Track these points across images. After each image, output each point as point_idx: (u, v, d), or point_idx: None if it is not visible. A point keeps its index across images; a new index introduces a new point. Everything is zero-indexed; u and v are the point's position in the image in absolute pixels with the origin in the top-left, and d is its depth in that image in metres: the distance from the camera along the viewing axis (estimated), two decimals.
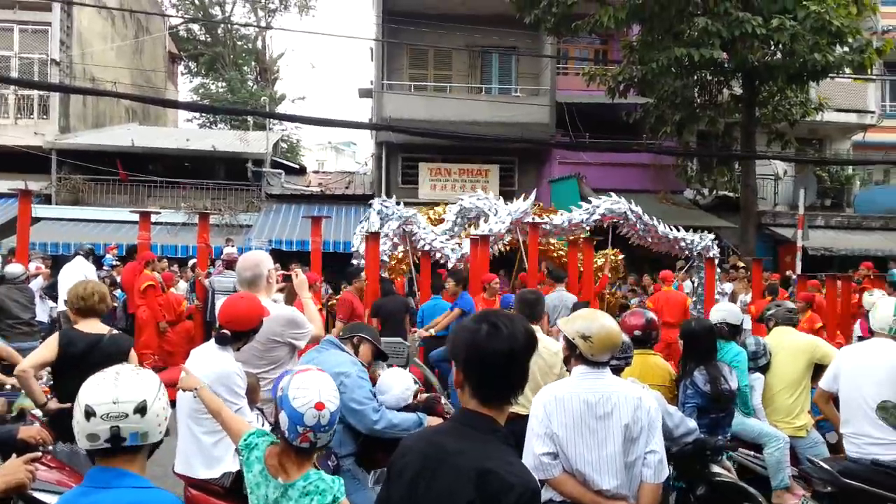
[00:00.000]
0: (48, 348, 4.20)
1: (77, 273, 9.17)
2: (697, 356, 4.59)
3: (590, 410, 2.84)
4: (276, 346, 4.05)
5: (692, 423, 3.98)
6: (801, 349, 5.27)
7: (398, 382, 4.28)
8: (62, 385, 4.17)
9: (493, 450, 1.86)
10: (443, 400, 4.55)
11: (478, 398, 1.93)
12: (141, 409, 1.95)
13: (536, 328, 4.53)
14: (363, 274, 9.05)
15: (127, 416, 1.93)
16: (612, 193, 11.61)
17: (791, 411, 5.17)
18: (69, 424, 3.70)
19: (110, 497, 1.91)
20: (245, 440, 2.57)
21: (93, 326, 4.24)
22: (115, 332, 4.33)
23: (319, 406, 2.32)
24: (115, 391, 1.94)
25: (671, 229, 11.79)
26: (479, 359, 1.91)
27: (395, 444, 2.31)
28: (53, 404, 4.12)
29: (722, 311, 5.41)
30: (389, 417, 3.79)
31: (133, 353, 4.26)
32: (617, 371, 3.58)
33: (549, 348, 4.45)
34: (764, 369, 5.30)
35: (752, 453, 4.62)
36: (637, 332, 4.53)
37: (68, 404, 3.97)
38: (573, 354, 2.99)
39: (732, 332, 5.27)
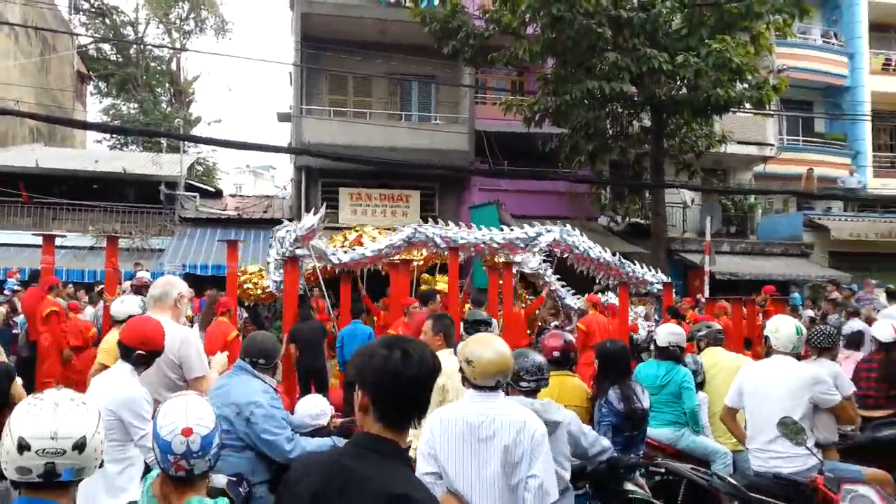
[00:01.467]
0: None
1: None
2: (612, 376, 4.71)
3: (472, 433, 2.85)
4: (176, 368, 4.00)
5: (606, 442, 4.07)
6: (737, 368, 5.46)
7: (306, 405, 4.25)
8: None
9: (399, 474, 1.88)
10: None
11: (383, 422, 1.94)
12: (80, 446, 1.85)
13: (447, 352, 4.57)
14: (438, 296, 8.85)
15: (65, 452, 1.83)
16: (534, 223, 11.73)
17: None
18: None
19: None
20: (145, 480, 2.48)
21: None
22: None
23: (187, 432, 2.21)
24: (53, 425, 1.83)
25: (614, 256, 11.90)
26: (390, 384, 1.92)
27: None
28: None
29: (672, 334, 5.52)
30: (303, 445, 3.72)
31: (15, 387, 3.90)
32: (532, 393, 3.64)
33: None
34: (699, 387, 5.54)
35: (703, 470, 4.78)
36: (556, 354, 4.64)
37: None
38: (463, 378, 3.02)
39: (680, 353, 5.49)
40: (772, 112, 20.28)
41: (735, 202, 21.20)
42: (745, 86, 14.48)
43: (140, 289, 8.52)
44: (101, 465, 1.96)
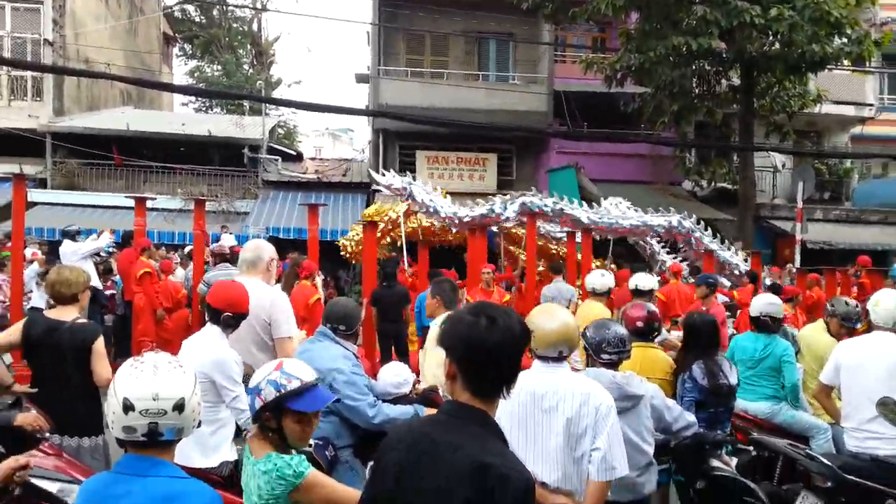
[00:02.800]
0: (13, 331, 4.14)
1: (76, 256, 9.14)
2: (697, 350, 4.58)
3: (535, 403, 2.85)
4: (266, 328, 4.14)
5: (691, 417, 3.96)
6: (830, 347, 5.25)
7: (388, 373, 4.28)
8: (31, 369, 4.10)
9: (487, 443, 1.85)
10: (441, 391, 4.53)
11: (471, 391, 1.91)
12: (179, 406, 1.94)
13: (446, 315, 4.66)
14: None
15: (166, 412, 1.93)
16: (607, 197, 11.63)
17: None
18: (60, 413, 3.70)
19: (148, 485, 1.92)
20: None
21: (62, 313, 4.07)
22: (81, 321, 4.09)
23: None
24: (154, 386, 1.93)
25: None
26: (476, 351, 1.90)
27: None
28: (18, 387, 4.04)
29: (767, 304, 5.33)
30: (386, 412, 3.76)
31: (97, 346, 3.99)
32: (614, 365, 3.57)
33: None
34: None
35: (801, 446, 4.65)
36: (639, 324, 4.53)
37: (29, 389, 3.97)
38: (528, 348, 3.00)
39: (776, 325, 5.26)
40: (872, 69, 19.13)
41: (830, 166, 20.22)
42: (844, 41, 13.70)
43: (221, 257, 8.72)
44: (198, 426, 2.05)
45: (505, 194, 11.81)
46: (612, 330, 3.59)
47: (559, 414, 2.82)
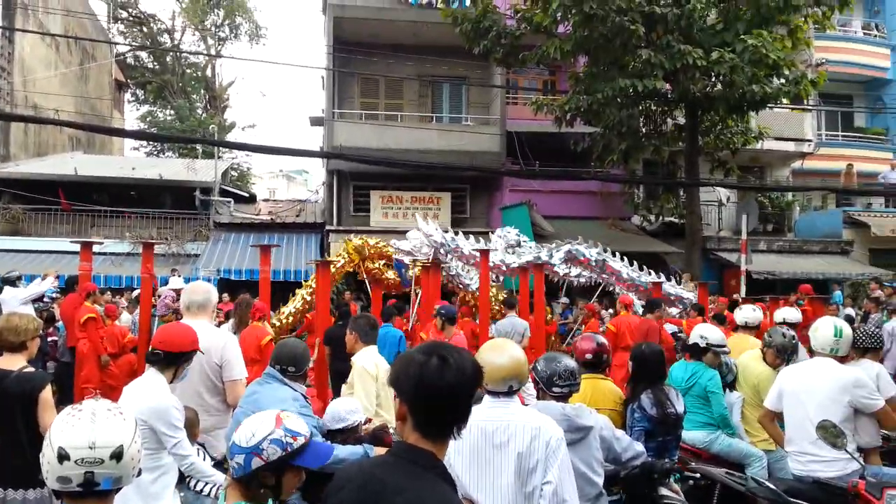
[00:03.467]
0: None
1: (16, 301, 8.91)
2: (646, 379, 4.63)
3: (486, 439, 2.83)
4: (218, 371, 4.07)
5: (640, 447, 3.99)
6: (764, 376, 5.41)
7: (337, 406, 4.24)
8: None
9: (432, 486, 1.84)
10: (391, 430, 4.49)
11: (420, 432, 1.90)
12: (117, 455, 1.88)
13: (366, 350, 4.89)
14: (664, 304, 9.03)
15: (103, 461, 1.86)
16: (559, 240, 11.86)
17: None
18: (6, 464, 3.57)
19: None
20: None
21: (9, 363, 3.96)
22: (27, 369, 3.98)
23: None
24: (91, 434, 1.86)
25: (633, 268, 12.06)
26: (426, 392, 1.88)
27: None
28: None
29: (699, 337, 5.41)
30: (336, 452, 3.70)
31: (44, 395, 3.88)
32: (564, 398, 3.59)
33: None
34: (730, 386, 5.47)
35: (737, 474, 4.69)
36: (588, 356, 4.57)
37: None
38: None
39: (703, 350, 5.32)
40: (810, 107, 19.92)
41: (772, 199, 20.83)
42: (783, 81, 14.21)
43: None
44: (139, 474, 1.98)
45: (457, 232, 11.89)
46: (562, 363, 3.61)
47: (510, 449, 2.80)
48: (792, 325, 6.88)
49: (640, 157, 16.81)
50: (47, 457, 1.87)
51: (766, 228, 20.33)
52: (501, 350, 3.01)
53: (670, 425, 4.46)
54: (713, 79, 14.43)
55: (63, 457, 1.84)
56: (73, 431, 1.87)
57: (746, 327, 6.94)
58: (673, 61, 13.32)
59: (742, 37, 13.28)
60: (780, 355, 5.43)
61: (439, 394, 1.88)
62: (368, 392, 4.66)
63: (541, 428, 2.84)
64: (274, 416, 2.31)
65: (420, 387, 1.89)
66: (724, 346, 5.35)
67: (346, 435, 4.23)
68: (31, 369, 4.02)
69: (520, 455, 2.78)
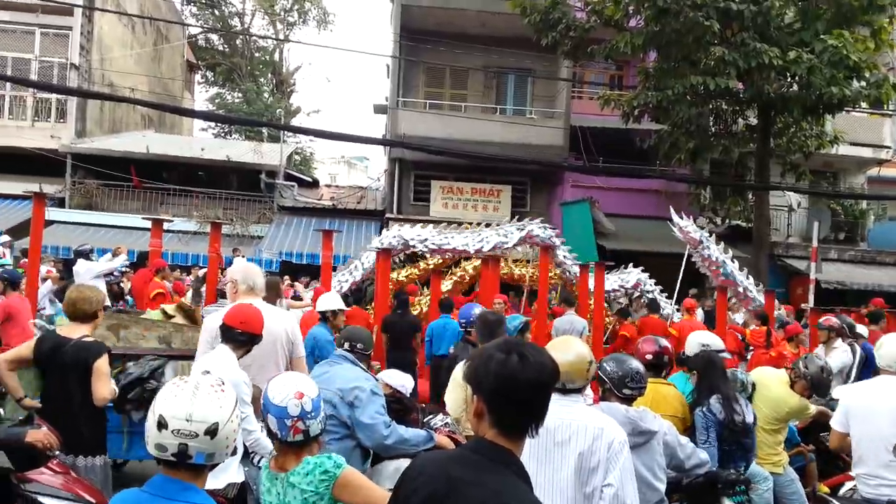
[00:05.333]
0: (26, 346, 4.18)
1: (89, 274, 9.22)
2: (714, 383, 4.52)
3: (548, 435, 2.79)
4: (289, 347, 4.20)
5: (704, 455, 3.91)
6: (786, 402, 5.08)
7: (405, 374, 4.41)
8: (43, 384, 4.12)
9: (508, 483, 1.83)
10: (443, 420, 4.52)
11: (498, 428, 1.88)
12: (212, 432, 1.93)
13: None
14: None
15: (197, 435, 1.92)
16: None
17: (771, 447, 5.06)
18: (61, 430, 3.70)
19: None
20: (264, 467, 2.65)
21: (71, 331, 4.09)
22: (86, 338, 4.07)
23: (299, 395, 2.43)
24: (190, 407, 1.92)
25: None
26: (507, 390, 1.87)
27: None
28: (27, 402, 4.07)
29: (701, 344, 5.28)
30: (400, 432, 3.79)
31: (98, 365, 3.94)
32: (629, 400, 3.53)
33: None
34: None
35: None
36: (649, 357, 4.48)
37: (37, 403, 4.01)
38: None
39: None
40: (890, 112, 19.08)
41: (845, 207, 20.10)
42: (863, 84, 13.66)
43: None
44: (233, 453, 2.03)
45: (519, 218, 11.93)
46: (633, 365, 3.55)
47: (571, 448, 2.77)
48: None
49: (709, 157, 16.38)
50: (149, 422, 1.94)
51: (837, 237, 19.63)
52: (568, 347, 2.98)
53: (738, 433, 4.34)
54: (789, 79, 13.97)
55: (161, 425, 1.91)
56: (175, 402, 1.93)
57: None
58: (748, 59, 12.91)
59: (822, 36, 12.81)
60: (812, 390, 5.03)
61: (518, 391, 1.87)
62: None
63: (604, 429, 2.80)
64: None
65: (499, 384, 1.87)
66: (724, 351, 5.17)
67: (410, 405, 4.34)
68: (90, 338, 4.11)
69: (581, 455, 2.75)
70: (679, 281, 11.65)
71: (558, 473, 2.78)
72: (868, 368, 7.00)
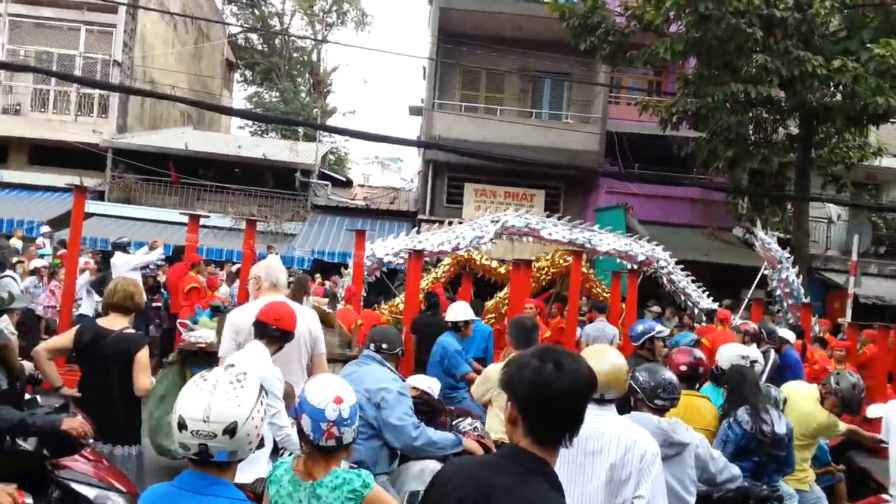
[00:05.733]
0: (65, 336, 4.26)
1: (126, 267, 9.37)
2: (742, 396, 4.43)
3: (579, 445, 2.74)
4: (310, 344, 4.23)
5: (736, 470, 3.84)
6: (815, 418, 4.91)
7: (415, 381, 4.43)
8: (81, 374, 4.19)
9: (541, 493, 1.81)
10: (472, 423, 4.50)
11: (532, 437, 1.86)
12: (230, 431, 1.91)
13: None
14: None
15: (216, 436, 1.90)
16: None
17: (797, 463, 4.93)
18: (99, 419, 3.76)
19: None
20: (271, 473, 2.56)
21: (112, 322, 4.15)
22: (127, 330, 4.14)
23: (338, 399, 2.35)
24: (207, 407, 1.90)
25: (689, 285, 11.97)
26: (542, 398, 1.85)
27: None
28: (66, 390, 4.16)
29: (732, 354, 5.18)
30: (429, 434, 3.77)
31: (140, 356, 4.01)
32: (662, 411, 3.48)
33: None
34: None
35: None
36: (683, 368, 4.42)
37: (76, 392, 4.09)
38: None
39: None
40: None
41: (887, 220, 19.62)
42: None
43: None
44: (260, 445, 2.02)
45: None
46: (666, 375, 3.51)
47: (603, 458, 2.74)
48: None
49: (747, 166, 16.09)
50: (174, 421, 1.94)
51: (878, 251, 19.17)
52: (602, 356, 2.94)
53: (768, 444, 4.25)
54: (832, 88, 13.67)
55: (182, 425, 1.90)
56: (193, 402, 1.92)
57: None
58: (790, 68, 12.67)
59: (868, 45, 12.53)
60: (842, 407, 4.83)
61: (552, 399, 1.85)
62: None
63: (636, 440, 2.77)
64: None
65: (534, 392, 1.86)
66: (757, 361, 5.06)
67: (433, 406, 4.32)
68: (132, 331, 4.19)
69: (612, 466, 2.72)
70: (749, 297, 11.55)
71: (589, 484, 2.75)
72: (782, 376, 6.86)
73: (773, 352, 7.57)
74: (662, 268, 11.96)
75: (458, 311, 6.82)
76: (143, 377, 4.01)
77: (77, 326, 4.30)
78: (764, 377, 7.00)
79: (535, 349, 2.01)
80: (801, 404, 4.94)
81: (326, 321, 6.32)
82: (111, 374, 4.00)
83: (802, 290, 11.55)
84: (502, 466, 1.87)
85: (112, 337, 4.05)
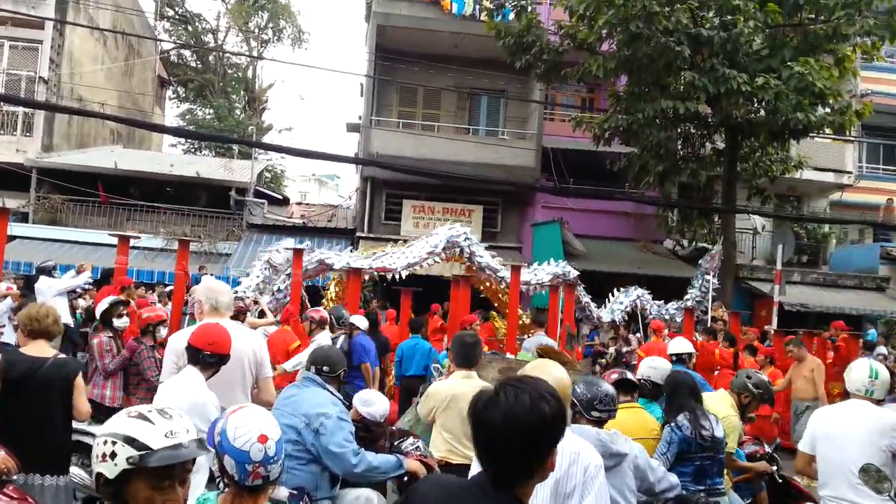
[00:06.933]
0: None
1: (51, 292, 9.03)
2: (680, 402, 4.53)
3: None
4: (254, 368, 4.13)
5: (674, 479, 3.92)
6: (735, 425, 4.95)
7: (381, 397, 4.32)
8: (5, 407, 3.95)
9: None
10: (414, 443, 4.47)
11: (488, 476, 1.83)
12: None
13: (471, 373, 4.58)
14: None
15: None
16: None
17: None
18: (32, 449, 3.62)
19: None
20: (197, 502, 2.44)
21: (39, 349, 4.04)
22: (61, 356, 4.08)
23: (262, 439, 2.22)
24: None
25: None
26: (477, 432, 1.81)
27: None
28: None
29: (648, 367, 5.27)
30: (369, 460, 3.70)
31: (79, 381, 4.01)
32: (601, 423, 3.53)
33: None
34: None
35: None
36: (614, 377, 4.52)
37: None
38: None
39: (655, 390, 5.09)
40: (853, 138, 19.59)
41: (808, 230, 20.49)
42: (827, 110, 13.96)
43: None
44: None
45: (489, 247, 11.84)
46: (603, 388, 3.56)
47: None
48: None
49: (677, 180, 16.59)
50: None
51: (800, 260, 19.97)
52: (545, 371, 2.94)
53: (708, 448, 4.35)
54: (756, 104, 14.23)
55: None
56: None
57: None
58: (717, 85, 13.14)
59: (788, 63, 13.09)
60: (760, 401, 5.08)
61: (487, 435, 1.78)
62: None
63: (580, 453, 2.78)
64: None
65: (472, 425, 1.82)
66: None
67: (379, 432, 4.27)
68: (64, 356, 4.15)
69: (557, 480, 2.71)
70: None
71: (534, 499, 2.74)
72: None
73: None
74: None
75: (681, 344, 6.78)
76: (84, 402, 4.00)
77: None
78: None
79: (502, 380, 1.94)
80: (718, 409, 4.97)
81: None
82: (51, 401, 3.91)
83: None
84: (475, 493, 1.85)
85: (49, 364, 3.97)
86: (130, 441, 1.84)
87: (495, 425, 1.76)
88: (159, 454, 1.84)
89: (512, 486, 1.81)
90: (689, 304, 11.89)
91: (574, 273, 11.88)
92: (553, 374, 2.94)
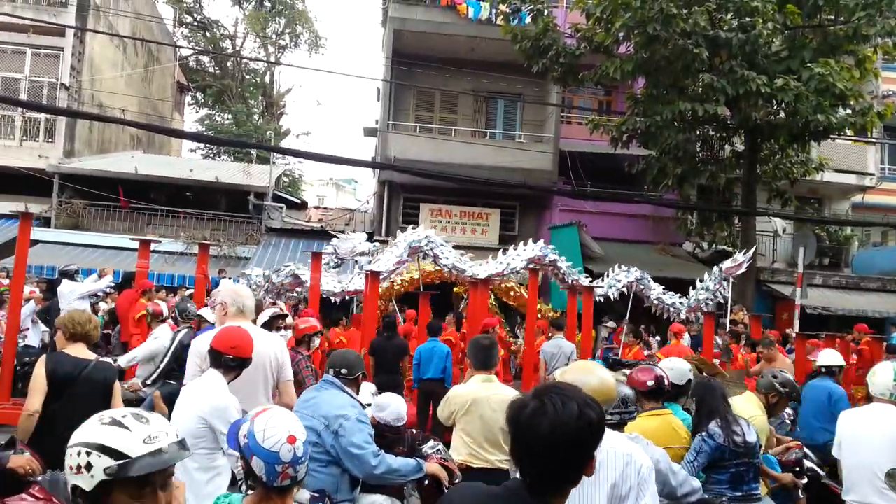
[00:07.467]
0: (37, 380, 4.09)
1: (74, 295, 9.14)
2: (710, 411, 4.47)
3: None
4: (276, 371, 4.18)
5: (696, 483, 3.87)
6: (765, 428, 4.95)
7: (396, 401, 4.30)
8: (46, 407, 4.05)
9: None
10: (434, 447, 4.46)
11: (527, 481, 1.82)
12: None
13: (491, 376, 4.55)
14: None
15: None
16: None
17: None
18: (51, 451, 3.66)
19: None
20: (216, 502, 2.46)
21: (80, 351, 4.19)
22: (101, 359, 4.27)
23: (291, 439, 2.24)
24: None
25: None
26: (519, 439, 1.80)
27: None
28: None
29: (666, 368, 5.15)
30: (389, 462, 3.70)
31: (118, 384, 4.20)
32: (620, 426, 3.50)
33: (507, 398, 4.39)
34: None
35: None
36: (650, 384, 4.43)
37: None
38: None
39: (675, 392, 4.97)
40: (874, 140, 19.36)
41: (830, 233, 20.27)
42: (848, 112, 13.82)
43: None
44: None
45: (506, 250, 11.75)
46: (620, 390, 3.52)
47: (602, 478, 2.69)
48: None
49: (696, 183, 16.49)
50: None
51: (822, 262, 19.77)
52: (590, 371, 2.91)
53: (742, 454, 4.30)
54: (776, 106, 14.13)
55: None
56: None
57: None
58: (735, 87, 13.06)
59: (808, 65, 12.98)
60: (788, 400, 5.05)
61: (531, 443, 1.76)
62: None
63: (632, 455, 2.77)
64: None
65: (514, 431, 1.80)
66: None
67: (394, 437, 4.27)
68: (104, 360, 4.36)
69: (614, 485, 2.69)
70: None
71: (590, 502, 2.70)
72: None
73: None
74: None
75: (831, 356, 6.95)
76: (121, 404, 4.11)
77: (41, 362, 4.19)
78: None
79: (538, 387, 1.93)
80: (745, 410, 4.90)
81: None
82: (94, 402, 3.92)
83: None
84: (504, 497, 1.84)
85: (93, 366, 4.13)
86: (106, 450, 1.73)
87: (542, 433, 1.75)
88: (140, 462, 1.72)
89: (547, 492, 1.80)
90: (693, 303, 11.72)
91: (569, 265, 11.77)
92: (598, 373, 2.91)
